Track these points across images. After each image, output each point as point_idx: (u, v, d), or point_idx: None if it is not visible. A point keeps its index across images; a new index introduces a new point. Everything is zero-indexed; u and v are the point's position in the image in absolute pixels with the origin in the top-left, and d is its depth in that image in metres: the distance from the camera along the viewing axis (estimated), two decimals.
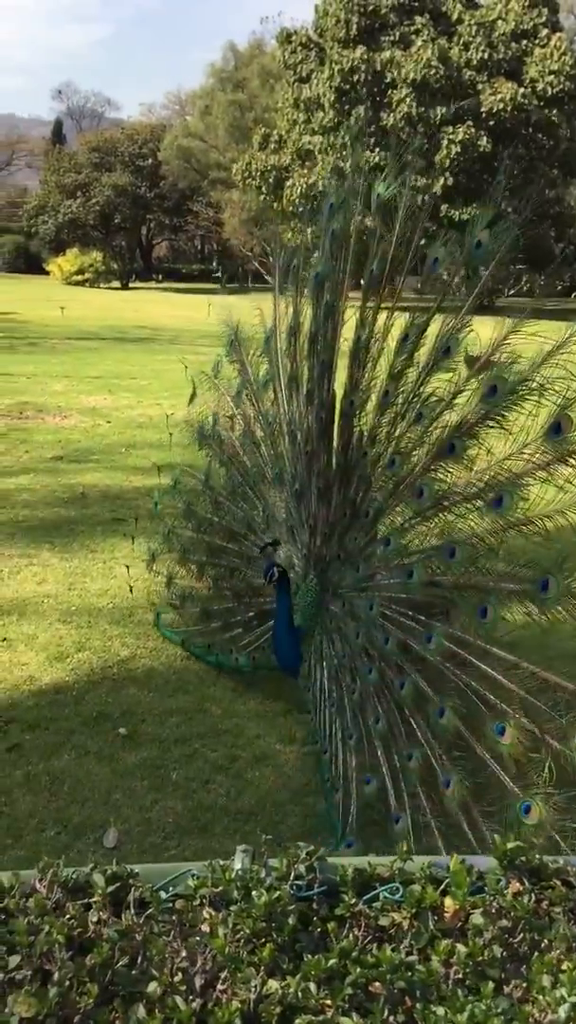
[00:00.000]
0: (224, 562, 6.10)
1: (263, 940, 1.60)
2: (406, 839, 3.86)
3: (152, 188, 61.97)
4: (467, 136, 35.29)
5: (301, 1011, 1.49)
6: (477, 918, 1.67)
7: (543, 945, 1.68)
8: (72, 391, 17.32)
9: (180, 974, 1.53)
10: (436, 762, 4.14)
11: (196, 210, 64.60)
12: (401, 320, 4.96)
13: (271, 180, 40.80)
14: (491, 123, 36.13)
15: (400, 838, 3.95)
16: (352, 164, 5.09)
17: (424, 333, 4.84)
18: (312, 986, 1.50)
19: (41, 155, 71.86)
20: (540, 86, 36.63)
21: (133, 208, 62.36)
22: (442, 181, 34.75)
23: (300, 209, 31.43)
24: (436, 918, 1.74)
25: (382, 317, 5.07)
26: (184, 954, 1.55)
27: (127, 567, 7.63)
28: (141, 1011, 1.48)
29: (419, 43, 36.03)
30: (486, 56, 36.63)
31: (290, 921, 1.64)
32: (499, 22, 37.57)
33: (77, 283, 54.60)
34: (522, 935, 1.69)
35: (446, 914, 1.71)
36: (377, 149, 36.35)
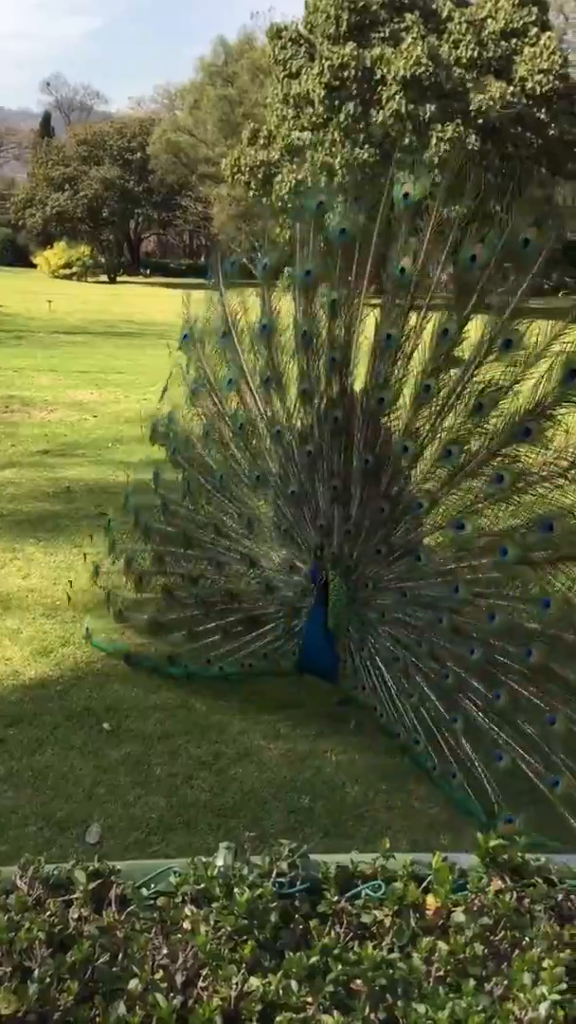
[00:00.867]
0: (180, 569, 5.93)
1: (245, 937, 1.60)
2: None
3: (140, 182, 61.74)
4: (456, 134, 35.29)
5: (282, 1008, 1.49)
6: (459, 916, 1.68)
7: (524, 943, 1.68)
8: (59, 385, 17.26)
9: (161, 971, 1.52)
10: None
11: (185, 205, 64.45)
12: (435, 317, 4.96)
13: (260, 176, 40.70)
14: (480, 121, 36.17)
15: (563, 804, 4.22)
16: (351, 182, 5.09)
17: (465, 328, 4.85)
18: (293, 983, 1.50)
19: (29, 147, 71.44)
20: (529, 85, 36.68)
21: (121, 202, 62.11)
22: (431, 178, 34.79)
23: (290, 205, 31.36)
24: (418, 916, 1.74)
25: (413, 315, 5.03)
26: (165, 951, 1.55)
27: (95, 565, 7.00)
28: (122, 1008, 1.48)
29: (409, 40, 36.01)
30: (475, 54, 36.66)
31: (272, 919, 1.64)
32: (489, 20, 37.58)
33: (65, 277, 54.34)
34: (503, 933, 1.70)
35: (428, 912, 1.72)
36: (367, 146, 36.35)
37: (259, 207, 40.77)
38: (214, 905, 1.68)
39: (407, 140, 35.09)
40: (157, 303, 36.82)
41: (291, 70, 39.47)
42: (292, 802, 4.82)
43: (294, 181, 37.38)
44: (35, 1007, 1.45)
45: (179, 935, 1.61)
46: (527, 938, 1.69)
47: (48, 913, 1.64)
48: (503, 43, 37.37)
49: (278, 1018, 1.47)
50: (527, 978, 1.58)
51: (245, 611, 5.63)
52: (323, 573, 5.11)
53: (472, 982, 1.54)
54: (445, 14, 37.98)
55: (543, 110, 37.33)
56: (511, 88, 36.52)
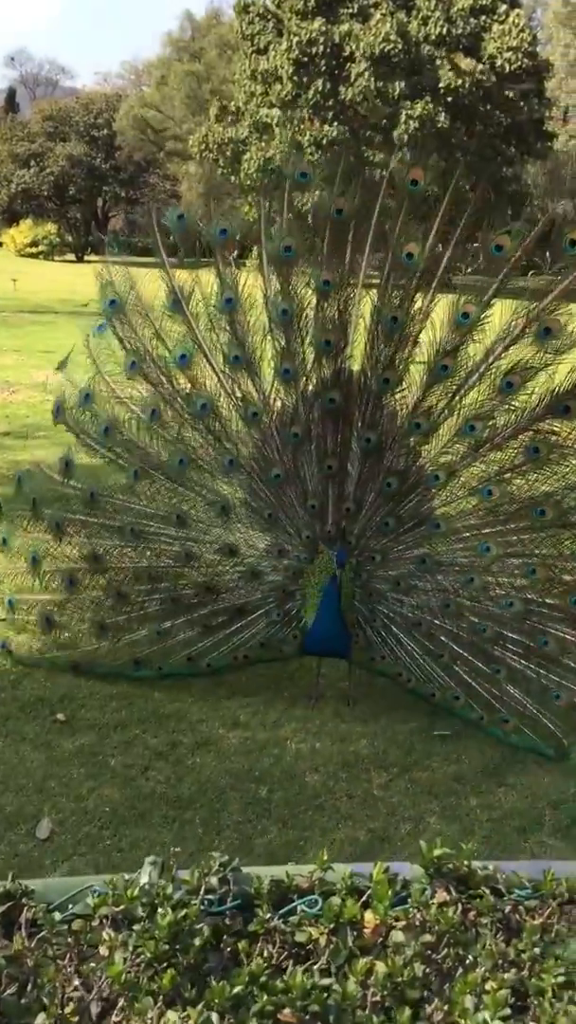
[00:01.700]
0: (127, 564, 5.54)
1: (165, 964, 1.48)
2: None
3: (108, 159, 60.86)
4: (425, 112, 34.99)
5: None
6: (398, 934, 1.57)
7: (468, 962, 1.57)
8: (22, 365, 16.95)
9: (72, 1004, 1.40)
10: None
11: (153, 183, 63.61)
12: (446, 299, 5.06)
13: (228, 153, 40.22)
14: (449, 99, 35.88)
15: None
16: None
17: (486, 312, 4.96)
18: (215, 1016, 1.39)
19: None
20: (499, 62, 36.41)
21: (88, 179, 61.20)
22: (400, 156, 34.47)
23: (265, 180, 30.92)
24: (356, 933, 1.63)
25: (419, 298, 5.10)
26: (78, 981, 1.43)
27: None
28: None
29: (378, 16, 35.60)
30: (444, 31, 36.31)
31: (196, 942, 1.51)
32: None
33: (31, 255, 53.47)
34: (446, 950, 1.59)
35: (366, 929, 1.60)
36: (335, 123, 35.99)
37: (227, 185, 40.35)
38: (136, 927, 1.56)
39: (376, 118, 34.80)
40: None
41: (259, 46, 38.96)
42: (250, 792, 4.72)
43: (263, 159, 36.98)
44: None
45: (94, 963, 1.48)
46: (471, 956, 1.58)
47: None
48: (472, 20, 37.05)
49: None
50: (469, 1001, 1.48)
51: (226, 602, 5.45)
52: (323, 554, 5.20)
53: (407, 1011, 1.43)
54: None
55: (512, 88, 37.12)
56: (480, 66, 36.25)
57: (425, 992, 1.54)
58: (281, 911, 1.67)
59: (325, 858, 1.74)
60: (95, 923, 1.56)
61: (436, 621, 5.18)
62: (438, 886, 1.73)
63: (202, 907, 1.63)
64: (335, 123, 35.91)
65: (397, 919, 1.64)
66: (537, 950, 1.60)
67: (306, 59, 36.14)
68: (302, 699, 5.60)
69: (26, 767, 4.77)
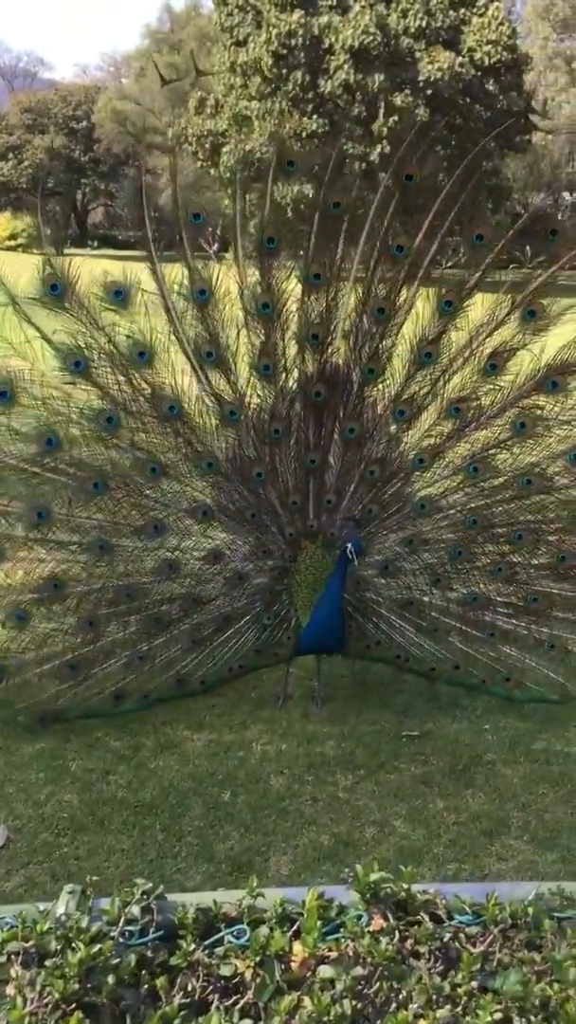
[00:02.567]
0: (91, 588, 5.01)
1: (74, 1004, 1.38)
2: None
3: (87, 152, 60.42)
4: (404, 104, 34.85)
5: None
6: (327, 970, 1.47)
7: (401, 996, 1.48)
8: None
9: None
10: None
11: (132, 175, 63.15)
12: (426, 291, 5.12)
13: (207, 146, 39.97)
14: (429, 92, 35.75)
15: None
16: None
17: (468, 299, 5.07)
18: None
19: None
20: (478, 55, 36.30)
21: (67, 172, 60.77)
22: (379, 149, 34.31)
23: (240, 175, 30.77)
24: (284, 966, 1.53)
25: (404, 290, 5.11)
26: None
27: None
28: None
29: (357, 9, 35.42)
30: (424, 24, 36.15)
31: (110, 980, 1.41)
32: None
33: (9, 248, 52.97)
34: (379, 984, 1.50)
35: (293, 963, 1.51)
36: (315, 116, 35.81)
37: (207, 178, 40.11)
38: (48, 963, 1.46)
39: (355, 110, 34.67)
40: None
41: (238, 38, 38.72)
42: (213, 796, 4.63)
43: (242, 151, 36.76)
44: None
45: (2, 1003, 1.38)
46: (404, 991, 1.49)
47: None
48: (451, 13, 36.94)
49: None
50: None
51: (211, 612, 5.18)
52: (307, 550, 5.18)
53: None
54: None
55: (491, 81, 37.05)
56: (459, 59, 36.15)
57: None
58: (207, 942, 1.57)
59: (255, 884, 1.64)
60: (2, 960, 1.46)
61: (425, 598, 5.30)
62: (375, 912, 1.63)
63: (122, 939, 1.53)
64: (315, 116, 35.74)
65: (330, 950, 1.55)
66: (475, 983, 1.51)
67: (285, 51, 35.94)
68: (270, 700, 5.51)
69: None
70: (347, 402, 5.13)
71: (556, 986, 1.52)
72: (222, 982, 1.53)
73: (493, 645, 5.25)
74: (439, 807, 4.62)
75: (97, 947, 1.45)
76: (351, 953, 1.53)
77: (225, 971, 1.52)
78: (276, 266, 5.09)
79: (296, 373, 5.15)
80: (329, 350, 5.09)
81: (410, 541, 5.29)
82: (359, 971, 1.49)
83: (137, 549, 5.09)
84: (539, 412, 5.08)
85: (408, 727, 5.31)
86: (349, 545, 4.86)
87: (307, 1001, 1.44)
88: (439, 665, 5.31)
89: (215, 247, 5.50)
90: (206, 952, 1.54)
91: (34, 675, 4.93)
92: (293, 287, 5.13)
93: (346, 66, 35.34)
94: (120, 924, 1.55)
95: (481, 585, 5.27)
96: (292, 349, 5.14)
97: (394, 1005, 1.47)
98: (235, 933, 1.59)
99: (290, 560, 5.23)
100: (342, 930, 1.59)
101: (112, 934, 1.52)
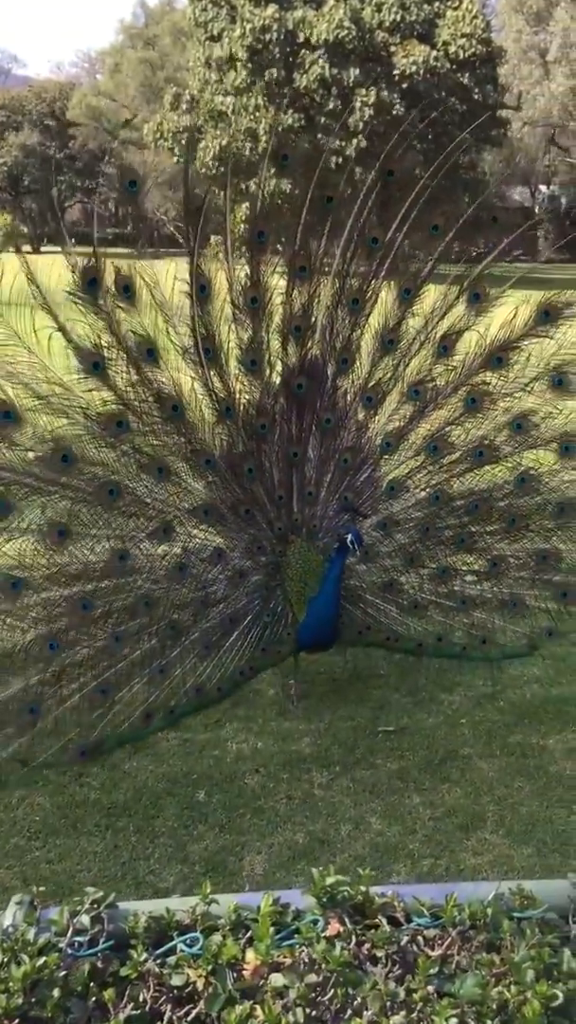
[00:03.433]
0: (119, 599, 4.77)
1: (18, 1020, 1.34)
2: None
3: (62, 149, 60.03)
4: (379, 99, 34.81)
5: None
6: (278, 978, 1.44)
7: (355, 1004, 1.45)
8: None
9: None
10: None
11: (108, 172, 62.86)
12: (393, 281, 5.30)
13: (183, 141, 39.80)
14: (404, 86, 35.73)
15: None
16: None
17: (424, 284, 5.31)
18: None
19: None
20: (452, 49, 36.31)
21: (43, 169, 60.38)
22: (355, 143, 34.28)
23: (216, 171, 30.28)
24: (237, 975, 1.50)
25: (374, 280, 5.27)
26: None
27: None
28: None
29: (331, 3, 35.35)
30: (398, 18, 36.13)
31: (55, 993, 1.38)
32: None
33: None
34: (333, 991, 1.46)
35: (246, 971, 1.48)
36: (291, 111, 35.71)
37: (183, 175, 39.88)
38: None
39: (331, 105, 34.62)
40: None
41: (212, 33, 38.58)
42: (187, 797, 4.60)
43: (218, 147, 36.64)
44: None
45: None
46: (359, 998, 1.46)
47: None
48: (426, 6, 36.93)
49: None
50: None
51: (217, 615, 5.05)
52: (294, 544, 5.20)
53: None
54: None
55: (466, 75, 37.07)
56: (434, 52, 36.15)
57: None
58: (159, 951, 1.54)
59: (208, 890, 1.60)
60: None
61: (402, 578, 5.49)
62: (331, 917, 1.60)
63: (70, 950, 1.49)
64: (290, 111, 35.64)
65: (284, 957, 1.51)
66: (431, 988, 1.48)
67: (260, 46, 35.84)
68: (245, 697, 5.47)
69: None
70: (323, 393, 5.25)
71: (514, 988, 1.50)
72: (174, 992, 1.49)
73: (466, 612, 5.47)
74: (415, 802, 4.60)
75: (43, 959, 1.41)
76: (305, 960, 1.50)
77: (177, 981, 1.49)
78: (265, 261, 5.08)
79: (279, 367, 5.19)
80: (310, 343, 5.17)
81: (384, 524, 5.44)
82: (313, 978, 1.47)
83: (150, 556, 4.93)
84: (487, 387, 5.31)
85: (384, 722, 5.29)
86: (349, 535, 4.79)
87: (258, 1012, 1.41)
88: (424, 639, 5.46)
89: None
90: (158, 962, 1.51)
91: (66, 709, 4.51)
92: (277, 282, 5.14)
93: (321, 61, 35.29)
94: (68, 935, 1.51)
95: (448, 558, 5.50)
96: (276, 343, 5.15)
97: (349, 1012, 1.44)
98: (188, 941, 1.55)
99: (280, 555, 5.21)
100: (297, 936, 1.56)
101: (60, 945, 1.48)
